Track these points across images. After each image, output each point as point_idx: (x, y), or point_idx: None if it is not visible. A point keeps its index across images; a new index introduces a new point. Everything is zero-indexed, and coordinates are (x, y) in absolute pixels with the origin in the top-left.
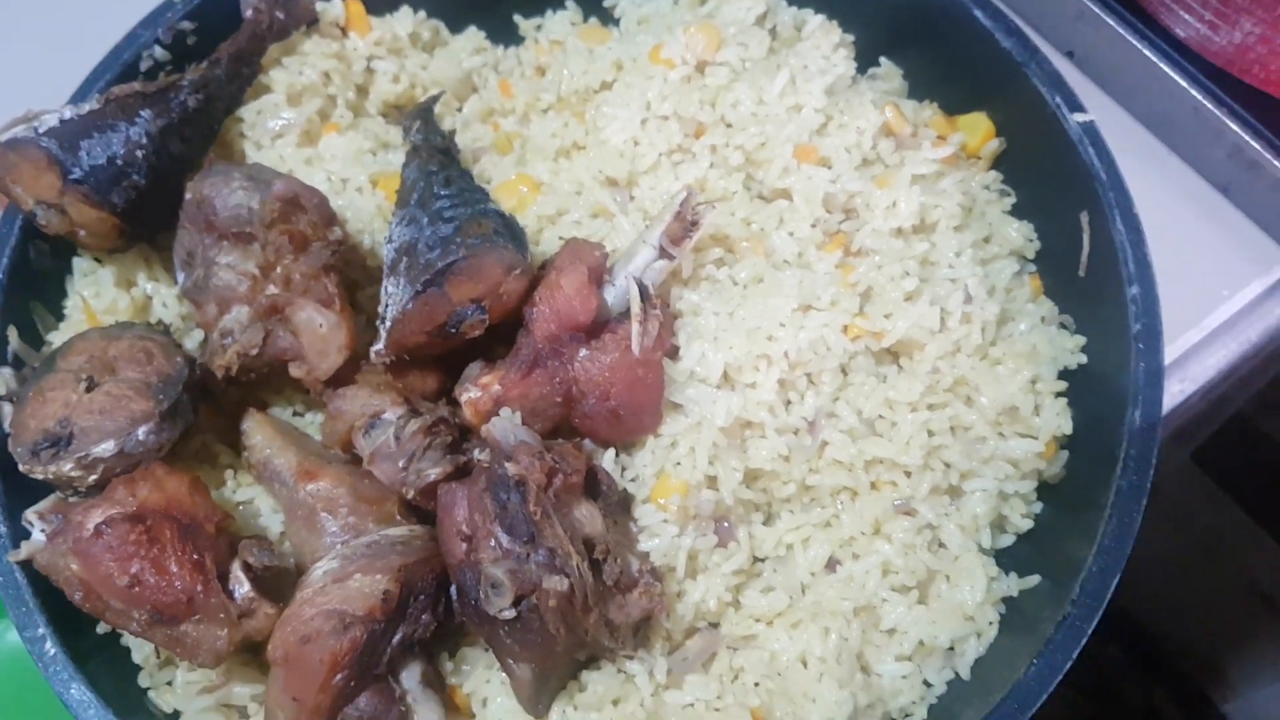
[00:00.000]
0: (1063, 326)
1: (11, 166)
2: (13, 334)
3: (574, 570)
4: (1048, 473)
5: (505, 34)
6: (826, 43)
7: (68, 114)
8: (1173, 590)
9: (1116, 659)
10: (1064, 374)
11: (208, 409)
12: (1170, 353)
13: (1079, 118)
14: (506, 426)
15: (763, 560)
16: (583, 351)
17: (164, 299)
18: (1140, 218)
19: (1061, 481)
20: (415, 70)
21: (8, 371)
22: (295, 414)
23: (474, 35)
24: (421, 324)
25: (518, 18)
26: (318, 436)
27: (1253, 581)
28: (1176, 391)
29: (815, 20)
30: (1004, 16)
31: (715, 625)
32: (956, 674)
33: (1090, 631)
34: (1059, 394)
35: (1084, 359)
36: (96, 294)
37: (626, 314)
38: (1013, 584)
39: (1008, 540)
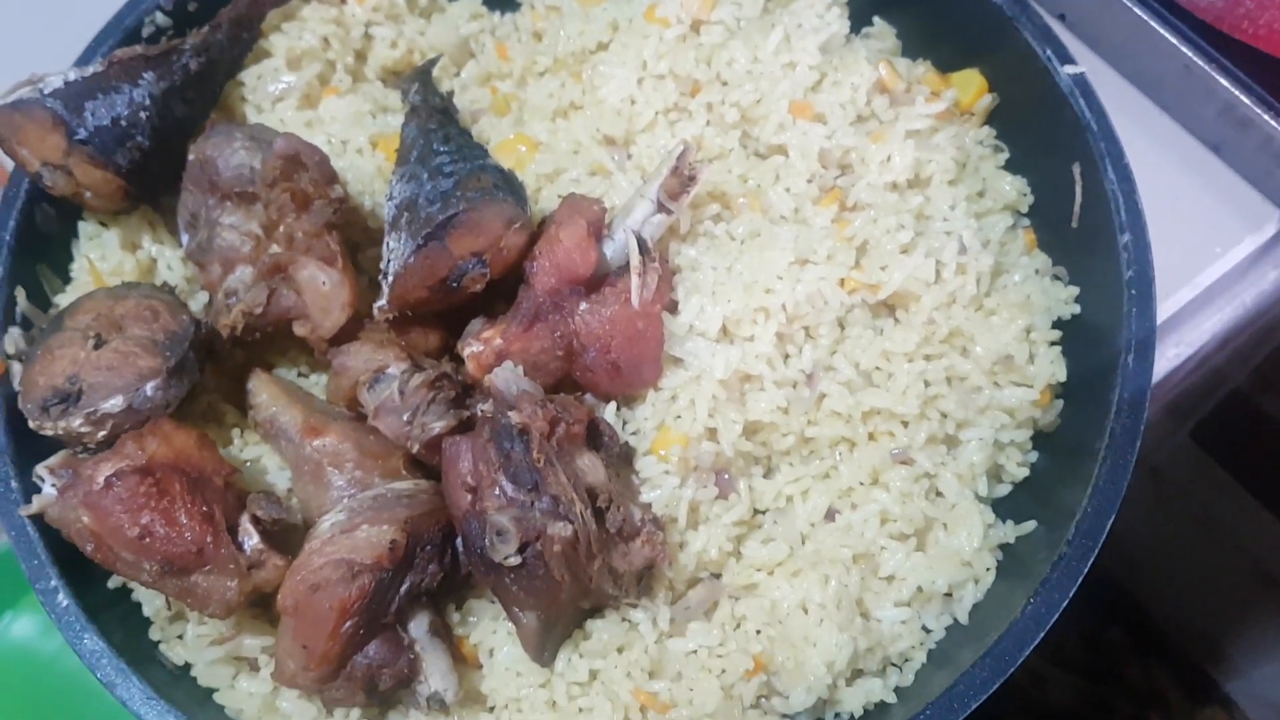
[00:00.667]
0: (1056, 278)
1: (17, 127)
2: (20, 295)
3: (578, 517)
4: (1043, 421)
5: (501, 0)
6: (820, 1)
7: (72, 76)
8: (1174, 571)
9: (1119, 640)
10: (1058, 324)
11: (213, 369)
12: (1164, 310)
13: (1070, 70)
14: (509, 377)
15: (763, 512)
16: (583, 305)
17: (169, 261)
18: (1131, 168)
19: (1057, 430)
20: (413, 36)
21: (16, 331)
22: (300, 375)
23: (470, 2)
24: (424, 278)
25: None
26: (322, 397)
27: (1255, 560)
28: (1172, 355)
29: None
30: None
31: (717, 575)
32: (955, 619)
33: (1085, 570)
34: (1053, 343)
35: (1077, 309)
36: (102, 256)
37: (626, 268)
38: (1009, 531)
39: (1004, 489)
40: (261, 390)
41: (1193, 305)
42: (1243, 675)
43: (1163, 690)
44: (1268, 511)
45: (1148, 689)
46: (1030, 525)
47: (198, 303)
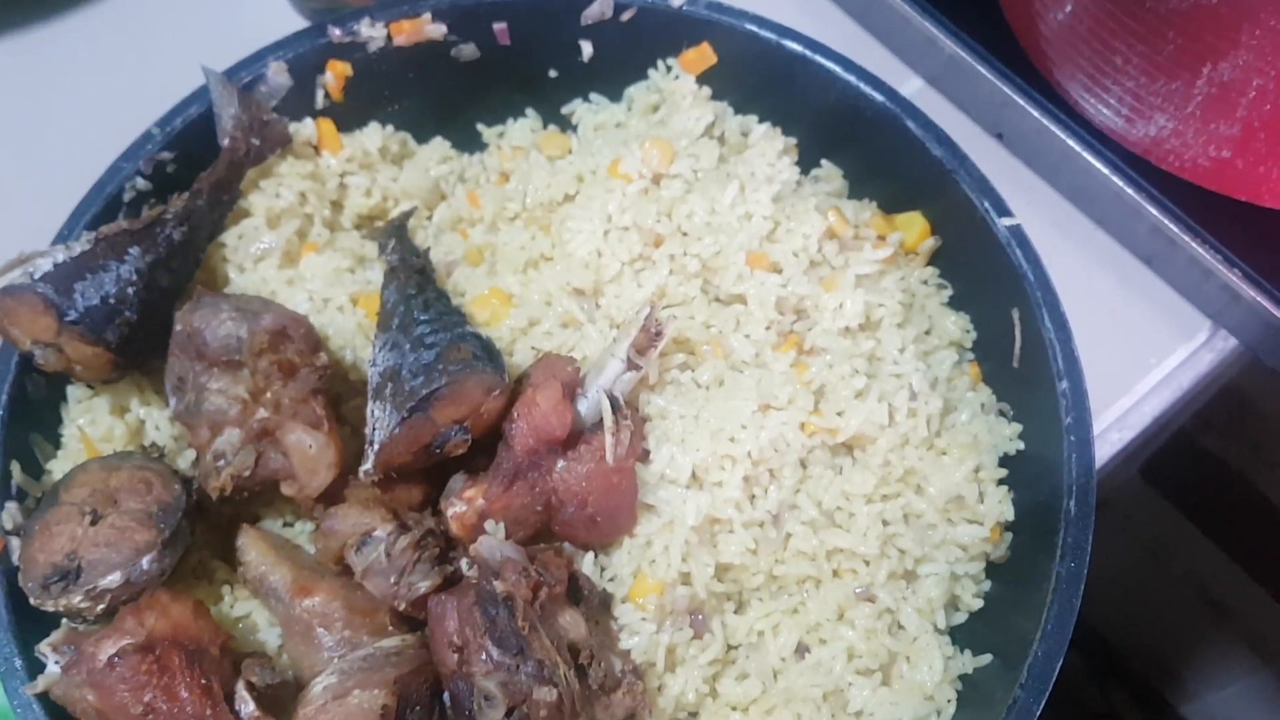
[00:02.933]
0: (1001, 414)
1: (9, 311)
2: (15, 469)
3: (561, 680)
4: (994, 554)
5: (469, 142)
6: (771, 150)
7: (60, 257)
8: (1128, 599)
9: (1076, 666)
10: (1004, 460)
11: (202, 526)
12: (1106, 419)
13: (1006, 222)
14: (493, 544)
15: (736, 647)
16: (560, 463)
17: (156, 422)
18: (1066, 315)
19: (1007, 561)
20: (386, 183)
21: (13, 506)
22: (285, 524)
23: (440, 145)
24: (408, 446)
25: (480, 126)
26: (307, 544)
27: (1202, 588)
28: (1115, 440)
29: (760, 129)
30: (933, 125)
31: (694, 715)
32: None
33: (1038, 712)
34: (1000, 481)
35: (1021, 445)
36: (92, 422)
37: (599, 424)
38: (968, 662)
39: (961, 618)
40: (250, 548)
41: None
42: (1197, 698)
43: (1121, 714)
44: (1212, 542)
45: (1107, 713)
46: (987, 658)
47: (185, 459)
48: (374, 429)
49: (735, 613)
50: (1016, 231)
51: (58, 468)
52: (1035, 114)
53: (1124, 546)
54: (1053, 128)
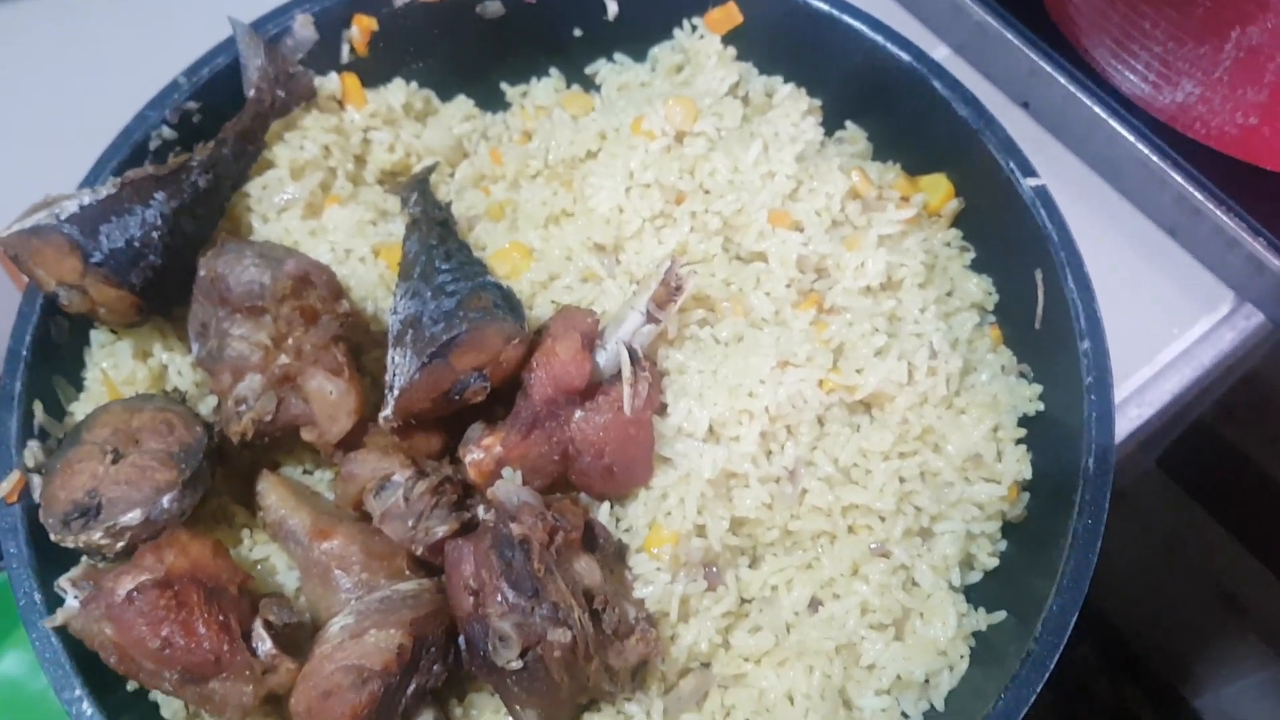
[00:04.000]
0: (1021, 375)
1: (35, 251)
2: (38, 409)
3: (575, 622)
4: (1011, 514)
5: (493, 101)
6: (795, 110)
7: (86, 199)
8: (1142, 591)
9: (1089, 658)
10: (1023, 420)
11: (222, 470)
12: (1126, 388)
13: (1031, 182)
14: (510, 489)
15: (749, 601)
16: (578, 413)
17: (179, 367)
18: (1090, 276)
19: (1024, 521)
20: (409, 139)
21: (35, 445)
22: (305, 471)
23: (463, 103)
24: (427, 392)
25: (504, 85)
26: (326, 492)
27: (1218, 582)
28: (1134, 416)
29: (785, 89)
30: (960, 85)
31: (707, 665)
32: (931, 705)
33: (1052, 666)
34: (1019, 440)
35: (1041, 406)
36: (115, 365)
37: (618, 376)
38: (981, 619)
39: (976, 577)
40: (270, 493)
41: (1157, 376)
42: (1210, 692)
43: (1133, 707)
44: (1229, 535)
45: (1118, 706)
46: (1001, 615)
47: (207, 406)
48: (394, 375)
49: (749, 567)
50: (1041, 192)
51: (80, 410)
52: (1062, 81)
53: (1140, 539)
54: (1079, 95)
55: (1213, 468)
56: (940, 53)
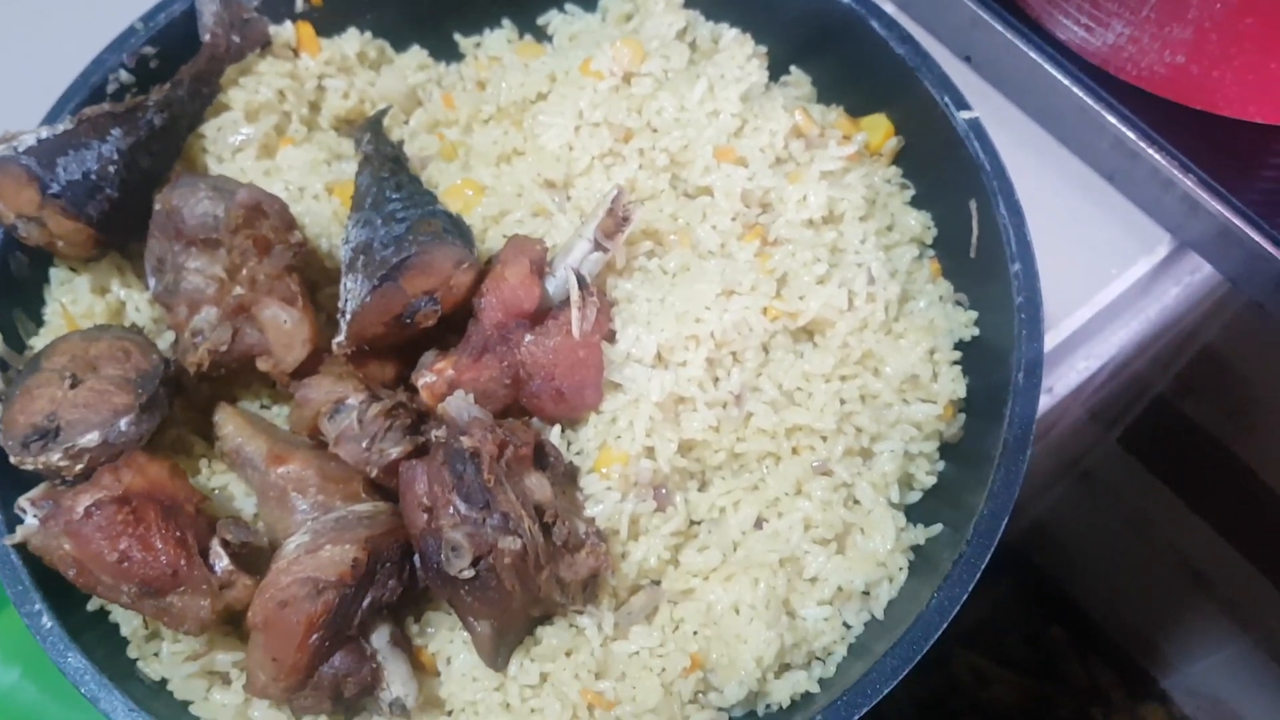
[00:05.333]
0: (958, 304)
1: None
2: None
3: (526, 532)
4: (947, 433)
5: (447, 52)
6: (741, 53)
7: (44, 134)
8: (1109, 570)
9: (1060, 639)
10: (959, 345)
11: (181, 403)
12: (1067, 327)
13: (965, 115)
14: (460, 405)
15: (698, 522)
16: (528, 337)
17: (136, 304)
18: (1021, 203)
19: (960, 441)
20: (364, 87)
21: None
22: (262, 406)
23: (417, 53)
24: (379, 316)
25: (458, 36)
26: (284, 427)
27: (1184, 559)
28: (1082, 367)
29: (730, 33)
30: (897, 26)
31: (657, 582)
32: (872, 615)
33: (982, 566)
34: (954, 363)
35: (977, 331)
36: (74, 300)
37: (567, 302)
38: (919, 534)
39: (915, 496)
40: (228, 422)
41: (1099, 320)
42: (1177, 671)
43: (1104, 687)
44: (1193, 512)
45: (1089, 685)
46: (938, 528)
47: (165, 342)
48: (346, 300)
49: (698, 490)
50: (975, 124)
51: (39, 343)
52: (1001, 29)
53: (1105, 519)
54: (1018, 43)
55: (1175, 445)
56: (885, 8)
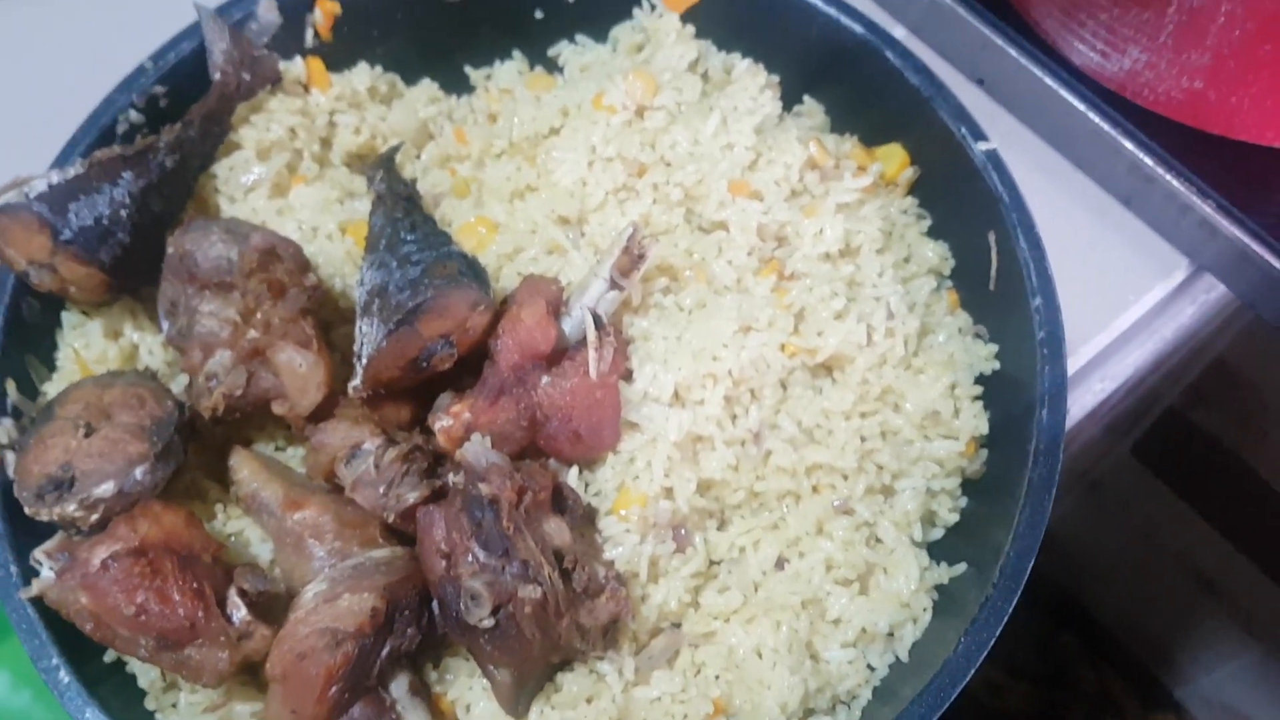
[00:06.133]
0: (977, 336)
1: (4, 230)
2: (11, 387)
3: (546, 579)
4: (970, 470)
5: (457, 84)
6: (754, 84)
7: (55, 179)
8: (1121, 579)
9: (1071, 647)
10: (980, 379)
11: (195, 447)
12: (1084, 354)
13: (982, 146)
14: (478, 450)
15: (718, 562)
16: (544, 378)
17: (149, 347)
18: (1041, 235)
19: (983, 477)
20: (375, 122)
21: (8, 422)
22: (277, 449)
23: (428, 87)
24: (395, 359)
25: (468, 69)
26: (299, 469)
27: (1195, 567)
28: (1098, 389)
29: (743, 64)
30: (911, 55)
31: (677, 625)
32: (897, 656)
33: (1010, 610)
34: (975, 398)
35: (997, 365)
36: (86, 345)
37: (583, 342)
38: (943, 572)
39: (938, 533)
40: (243, 467)
41: (1116, 344)
42: (1190, 680)
43: (1115, 695)
44: (1204, 520)
45: (1101, 694)
46: (961, 567)
47: (178, 385)
48: (362, 344)
49: (718, 529)
50: (993, 156)
51: (53, 389)
52: (1014, 54)
53: (1117, 528)
54: (1031, 67)
55: (1186, 454)
56: (897, 33)
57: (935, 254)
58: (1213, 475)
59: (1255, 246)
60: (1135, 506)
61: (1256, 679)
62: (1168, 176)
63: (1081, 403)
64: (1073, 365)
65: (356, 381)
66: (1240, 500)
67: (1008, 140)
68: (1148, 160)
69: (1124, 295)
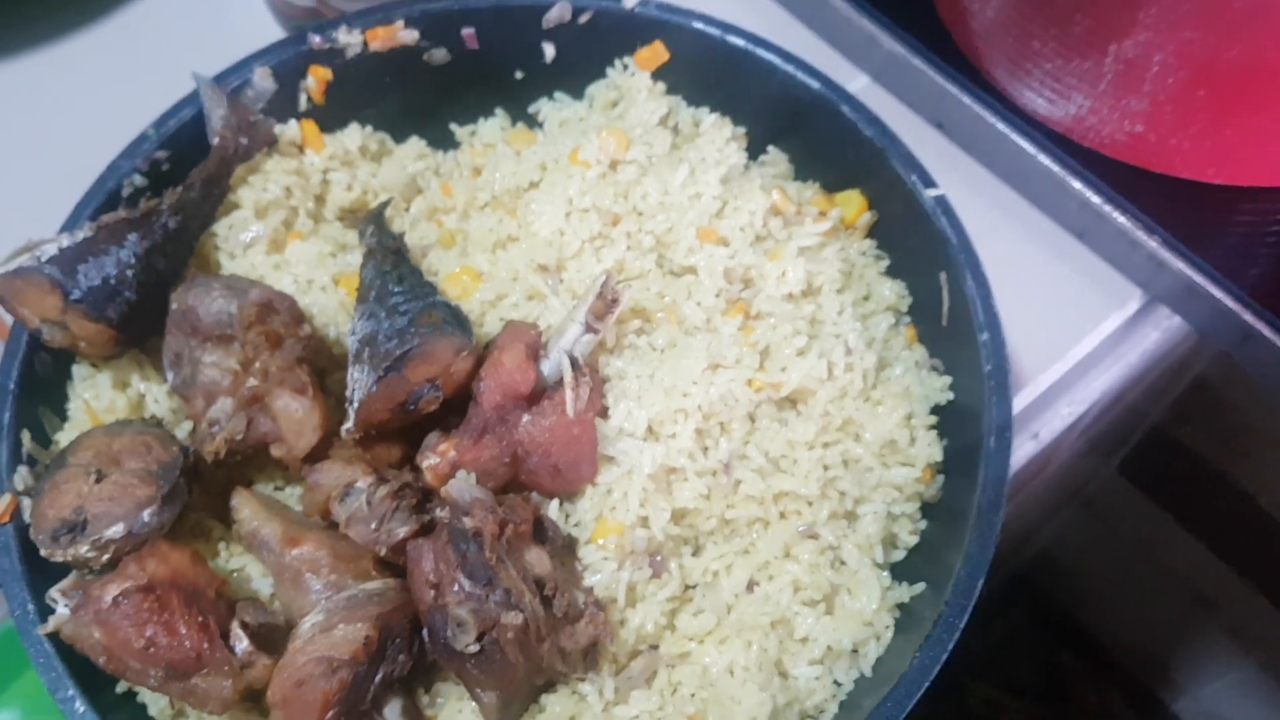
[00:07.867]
0: (933, 369)
1: (18, 292)
2: (26, 437)
3: (527, 606)
4: (927, 494)
5: (444, 141)
6: (720, 137)
7: (65, 242)
8: (1116, 596)
9: (1070, 665)
10: (935, 409)
11: (199, 488)
12: (1044, 381)
13: (932, 193)
14: (463, 486)
15: (692, 587)
16: (525, 417)
17: (155, 396)
18: (987, 275)
19: (939, 501)
20: (366, 178)
21: (24, 470)
22: (276, 488)
23: (416, 144)
24: (385, 403)
25: (454, 126)
26: (296, 506)
27: (1187, 583)
28: (1067, 414)
29: (710, 118)
30: (865, 109)
31: (655, 646)
32: (861, 672)
33: (963, 625)
34: (930, 427)
35: (951, 395)
36: (96, 396)
37: (561, 382)
38: (904, 591)
39: (900, 555)
40: (244, 507)
41: (1077, 370)
42: (1188, 694)
43: (1115, 712)
44: (1194, 537)
45: (1100, 711)
46: (920, 586)
47: (183, 431)
48: (353, 389)
49: (692, 555)
50: (941, 201)
51: (64, 438)
52: (968, 102)
53: (1109, 546)
54: (985, 114)
55: (1173, 471)
56: (860, 82)
57: (893, 292)
58: (1201, 493)
59: (1200, 280)
60: (1127, 524)
61: (1252, 692)
62: (1115, 214)
63: (1050, 426)
64: (1034, 392)
65: (349, 424)
66: (1229, 517)
67: (967, 180)
68: (1096, 199)
69: (1081, 325)
